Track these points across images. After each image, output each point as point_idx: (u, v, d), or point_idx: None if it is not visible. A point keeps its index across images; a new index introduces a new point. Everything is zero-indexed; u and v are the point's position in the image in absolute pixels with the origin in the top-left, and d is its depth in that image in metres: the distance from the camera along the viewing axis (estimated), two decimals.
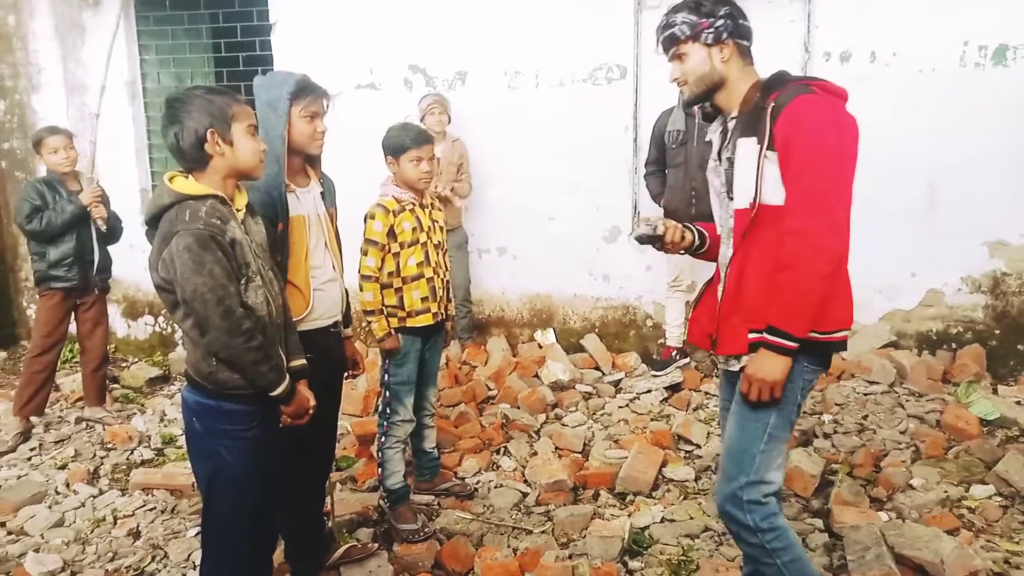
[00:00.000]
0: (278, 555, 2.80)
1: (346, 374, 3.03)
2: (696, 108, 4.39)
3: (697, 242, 2.34)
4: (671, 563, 2.95)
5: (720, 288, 2.22)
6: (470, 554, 3.04)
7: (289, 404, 2.26)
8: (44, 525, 3.50)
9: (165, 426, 4.67)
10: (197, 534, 3.24)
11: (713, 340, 2.22)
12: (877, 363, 4.54)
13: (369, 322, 3.18)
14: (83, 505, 3.71)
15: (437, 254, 3.26)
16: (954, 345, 4.77)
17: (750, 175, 2.04)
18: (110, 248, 4.63)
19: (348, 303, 2.91)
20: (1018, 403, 4.13)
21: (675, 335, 4.95)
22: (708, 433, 4.05)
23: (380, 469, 3.31)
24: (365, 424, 4.14)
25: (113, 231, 4.56)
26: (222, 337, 2.06)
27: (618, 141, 5.16)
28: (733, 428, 2.17)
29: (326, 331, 2.74)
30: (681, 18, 2.11)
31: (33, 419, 4.61)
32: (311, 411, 2.37)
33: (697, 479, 3.64)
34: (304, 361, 2.41)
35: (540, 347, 5.38)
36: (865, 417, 4.07)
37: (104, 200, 4.49)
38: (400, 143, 3.10)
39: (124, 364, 6.03)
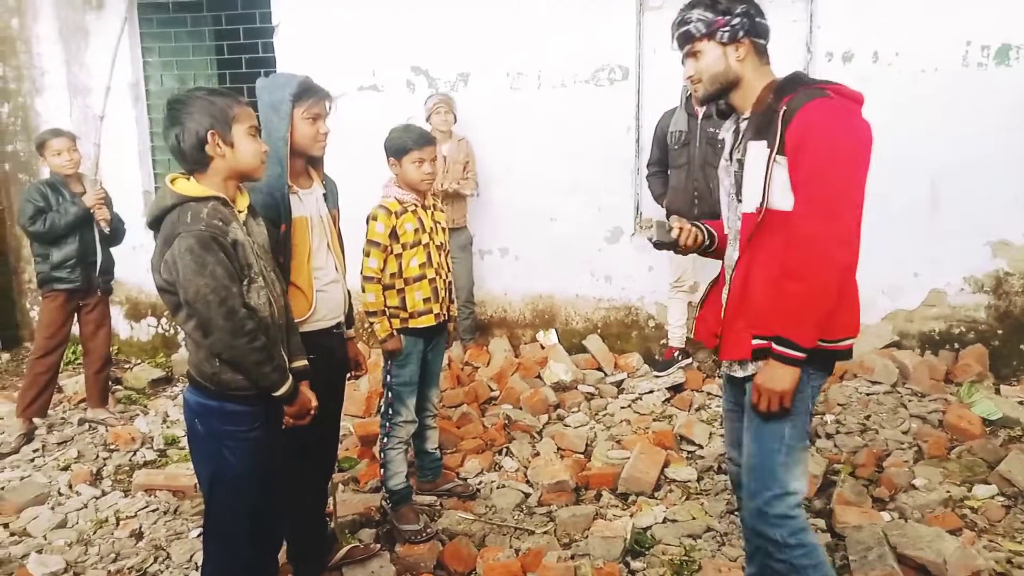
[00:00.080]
0: (280, 556, 2.80)
1: (348, 375, 3.03)
2: (699, 108, 4.49)
3: (707, 242, 2.31)
4: (673, 563, 2.95)
5: (725, 291, 2.19)
6: (472, 555, 3.04)
7: (292, 405, 2.26)
8: (47, 526, 3.50)
9: (168, 427, 4.68)
10: (199, 535, 3.24)
11: (718, 342, 2.20)
12: (880, 363, 4.53)
13: (371, 323, 3.18)
14: (86, 506, 3.71)
15: (439, 255, 3.26)
16: (957, 345, 4.76)
17: (758, 179, 2.00)
18: (113, 250, 4.64)
19: (350, 304, 2.91)
20: (1021, 403, 4.12)
21: (677, 336, 4.95)
22: (710, 433, 4.04)
23: (382, 470, 3.31)
24: (367, 425, 4.14)
25: (116, 233, 4.57)
26: (225, 338, 2.06)
27: (620, 142, 5.16)
28: (750, 443, 2.13)
29: (329, 332, 2.75)
30: (697, 15, 2.06)
31: (36, 421, 4.62)
32: (313, 412, 2.37)
33: (699, 479, 3.64)
34: (306, 362, 2.42)
35: (542, 348, 5.38)
36: (868, 417, 4.07)
37: (107, 202, 4.50)
38: (402, 144, 3.11)
39: (127, 366, 6.05)
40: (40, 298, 4.60)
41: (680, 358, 4.92)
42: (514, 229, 5.47)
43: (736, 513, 3.07)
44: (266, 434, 2.23)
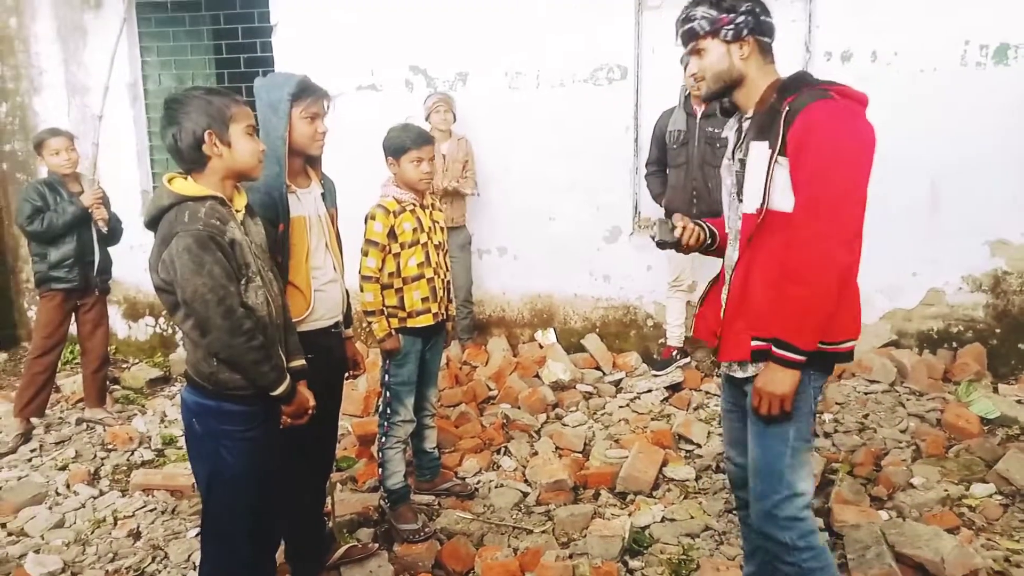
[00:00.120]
0: (278, 555, 2.80)
1: (347, 374, 3.03)
2: (698, 108, 4.49)
3: (709, 240, 2.29)
4: (671, 562, 2.95)
5: (724, 291, 2.18)
6: (470, 554, 3.04)
7: (289, 404, 2.26)
8: (44, 526, 3.50)
9: (166, 427, 4.67)
10: (197, 535, 3.24)
11: (718, 341, 2.18)
12: (878, 362, 4.54)
13: (370, 323, 3.18)
14: (83, 506, 3.71)
15: (437, 254, 3.26)
16: (955, 344, 4.77)
17: (759, 180, 1.98)
18: (111, 249, 4.63)
19: (349, 304, 2.91)
20: (1019, 402, 4.13)
21: (676, 335, 4.95)
22: (708, 432, 4.05)
23: (380, 469, 3.31)
24: (365, 424, 4.14)
25: (113, 232, 4.57)
26: (223, 337, 2.06)
27: (619, 141, 5.16)
28: (754, 447, 2.11)
29: (327, 332, 2.75)
30: (701, 12, 2.03)
31: (34, 420, 4.61)
32: (311, 411, 2.37)
33: (697, 478, 3.64)
34: (304, 361, 2.41)
35: (541, 347, 5.38)
36: (866, 416, 4.07)
37: (105, 202, 4.50)
38: (401, 144, 3.11)
39: (125, 365, 6.04)
40: (38, 298, 4.60)
41: (678, 357, 4.92)
42: (513, 228, 5.47)
43: (734, 512, 3.07)
44: (264, 434, 2.23)
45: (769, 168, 1.96)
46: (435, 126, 4.98)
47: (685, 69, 4.48)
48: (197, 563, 2.95)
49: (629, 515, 3.32)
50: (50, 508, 3.69)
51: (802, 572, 2.05)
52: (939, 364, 4.60)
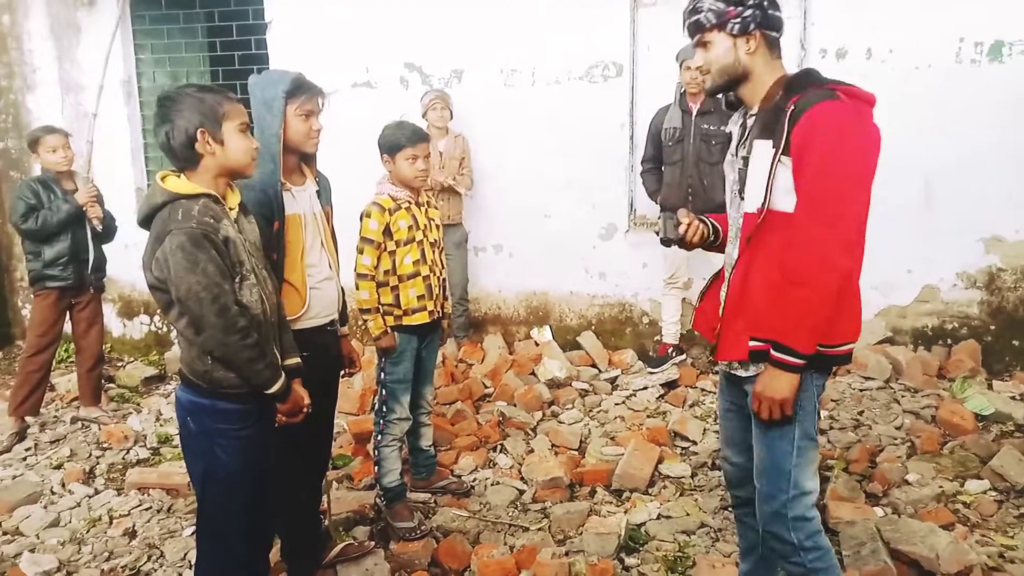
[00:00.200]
0: (274, 554, 2.80)
1: (342, 372, 3.03)
2: (693, 105, 4.49)
3: (711, 237, 2.26)
4: (667, 559, 2.96)
5: (724, 288, 2.16)
6: (467, 551, 3.04)
7: (284, 402, 2.26)
8: (40, 525, 3.49)
9: (161, 425, 4.66)
10: (193, 533, 3.23)
11: (716, 337, 2.16)
12: (873, 359, 4.54)
13: (365, 320, 3.18)
14: (79, 505, 3.70)
15: (433, 252, 3.26)
16: (949, 341, 4.78)
17: (762, 179, 1.95)
18: (105, 247, 4.61)
19: (344, 301, 2.90)
20: (1013, 398, 4.15)
21: (671, 332, 4.95)
22: (704, 429, 4.05)
23: (376, 467, 3.30)
24: (361, 422, 4.14)
25: (108, 230, 4.55)
26: (217, 335, 2.05)
27: (614, 139, 5.16)
28: (760, 447, 2.09)
29: (322, 329, 2.74)
30: (708, 4, 1.99)
31: (28, 419, 4.60)
32: (306, 409, 2.37)
33: (693, 475, 3.65)
34: (298, 359, 2.41)
35: (536, 345, 5.38)
36: (861, 413, 4.08)
37: (99, 199, 4.48)
38: (396, 141, 3.10)
39: (120, 363, 6.03)
40: (32, 296, 4.59)
41: (674, 354, 4.92)
42: (508, 226, 5.47)
43: (730, 509, 3.08)
44: (258, 432, 2.22)
45: (772, 168, 1.93)
46: (432, 123, 4.98)
47: (680, 67, 4.49)
48: (193, 561, 2.95)
49: (625, 512, 3.32)
50: (45, 507, 3.68)
51: (808, 572, 2.04)
52: (934, 361, 4.62)
